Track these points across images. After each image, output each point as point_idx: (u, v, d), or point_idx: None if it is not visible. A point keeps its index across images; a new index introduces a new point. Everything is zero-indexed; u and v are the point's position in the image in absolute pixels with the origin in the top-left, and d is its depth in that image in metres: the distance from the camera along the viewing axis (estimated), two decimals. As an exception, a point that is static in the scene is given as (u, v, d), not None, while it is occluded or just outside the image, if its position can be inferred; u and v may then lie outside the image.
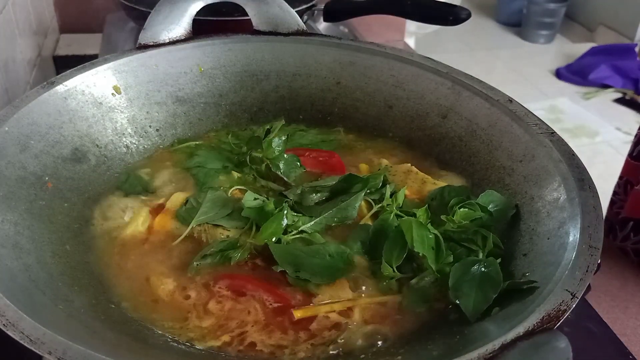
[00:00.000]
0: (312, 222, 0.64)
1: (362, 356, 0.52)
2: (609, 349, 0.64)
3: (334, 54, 0.86)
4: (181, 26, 0.83)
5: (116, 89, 0.77)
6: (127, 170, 0.75)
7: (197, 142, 0.82)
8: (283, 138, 0.75)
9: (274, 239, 0.62)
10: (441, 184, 0.72)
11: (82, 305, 0.53)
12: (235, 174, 0.75)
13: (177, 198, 0.69)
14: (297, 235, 0.63)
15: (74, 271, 0.58)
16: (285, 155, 0.75)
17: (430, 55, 0.84)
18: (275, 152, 0.74)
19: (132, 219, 0.67)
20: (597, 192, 0.57)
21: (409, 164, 0.76)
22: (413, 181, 0.73)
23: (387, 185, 0.69)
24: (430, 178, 0.73)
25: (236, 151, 0.78)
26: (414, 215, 0.63)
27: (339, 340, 0.54)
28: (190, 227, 0.64)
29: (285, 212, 0.63)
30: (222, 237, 0.64)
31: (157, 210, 0.68)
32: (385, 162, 0.77)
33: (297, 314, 0.56)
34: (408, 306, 0.57)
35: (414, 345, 0.53)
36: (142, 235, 0.65)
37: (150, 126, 0.80)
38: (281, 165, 0.74)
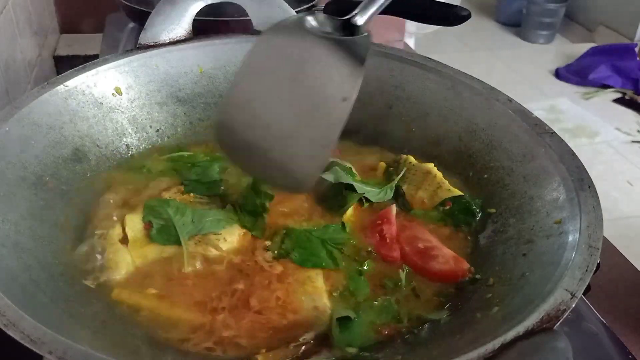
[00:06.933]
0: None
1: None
2: (609, 349, 0.64)
3: (334, 54, 0.86)
4: (181, 26, 0.83)
5: (117, 90, 0.77)
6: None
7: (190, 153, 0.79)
8: None
9: None
10: (456, 192, 0.71)
11: (82, 305, 0.53)
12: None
13: (134, 223, 0.63)
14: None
15: (75, 271, 0.58)
16: None
17: (430, 55, 0.84)
18: None
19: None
20: (596, 192, 0.57)
21: (432, 164, 0.74)
22: (429, 184, 0.72)
23: (388, 186, 0.70)
24: (446, 184, 0.72)
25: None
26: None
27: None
28: (184, 245, 0.61)
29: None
30: (216, 239, 0.63)
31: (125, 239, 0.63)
32: (411, 158, 0.76)
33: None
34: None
35: (414, 345, 0.53)
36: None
37: (150, 126, 0.80)
38: None
